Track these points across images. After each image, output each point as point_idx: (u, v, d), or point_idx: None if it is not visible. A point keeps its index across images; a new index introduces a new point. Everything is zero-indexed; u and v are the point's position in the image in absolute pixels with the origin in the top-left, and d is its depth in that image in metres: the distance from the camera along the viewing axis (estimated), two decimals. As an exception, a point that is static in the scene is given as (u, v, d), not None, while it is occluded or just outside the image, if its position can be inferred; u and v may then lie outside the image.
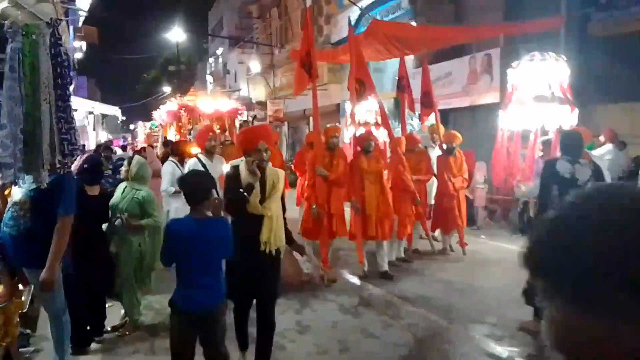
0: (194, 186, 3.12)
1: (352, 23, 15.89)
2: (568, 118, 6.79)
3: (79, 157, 4.19)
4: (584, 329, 0.60)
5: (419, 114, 9.17)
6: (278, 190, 3.67)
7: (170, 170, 6.15)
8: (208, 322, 3.05)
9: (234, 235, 3.22)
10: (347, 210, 6.46)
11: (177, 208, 5.62)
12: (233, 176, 3.65)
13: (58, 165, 3.29)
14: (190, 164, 5.93)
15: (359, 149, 6.38)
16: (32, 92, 3.14)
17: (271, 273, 3.63)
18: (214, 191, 3.29)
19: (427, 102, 8.26)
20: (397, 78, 13.32)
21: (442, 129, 8.28)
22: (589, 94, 7.80)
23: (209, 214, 3.10)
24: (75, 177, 3.75)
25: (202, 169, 5.75)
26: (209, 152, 6.13)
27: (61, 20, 3.38)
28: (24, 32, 3.11)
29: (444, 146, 7.48)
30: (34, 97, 3.14)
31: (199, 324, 3.05)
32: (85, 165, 4.29)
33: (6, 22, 3.17)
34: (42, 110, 3.16)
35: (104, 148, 11.69)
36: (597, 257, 0.58)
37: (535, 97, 6.78)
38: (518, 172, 7.54)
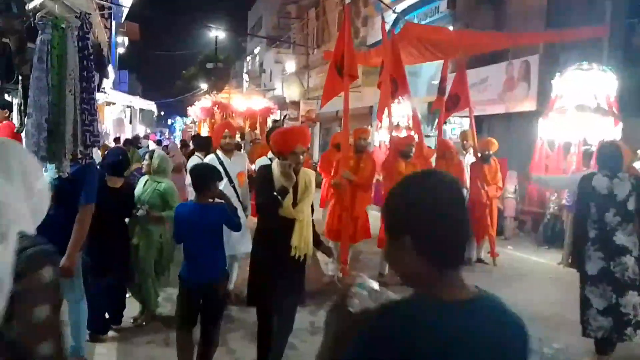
0: (197, 177, 3.58)
1: (388, 26, 15.81)
2: (611, 131, 6.53)
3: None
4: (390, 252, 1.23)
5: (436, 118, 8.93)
6: (310, 193, 3.58)
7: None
8: (209, 291, 3.45)
9: (262, 238, 3.43)
10: (373, 213, 6.37)
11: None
12: (265, 177, 3.48)
13: (80, 156, 3.37)
14: (208, 159, 5.90)
15: (397, 152, 6.24)
16: (58, 83, 3.22)
17: (298, 278, 3.56)
18: (223, 183, 3.85)
19: (451, 105, 7.95)
20: (433, 82, 13.17)
21: (473, 136, 8.08)
22: (632, 107, 7.46)
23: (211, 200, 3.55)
24: (98, 168, 3.82)
25: (218, 165, 5.63)
26: (225, 150, 6.04)
27: (90, 14, 3.44)
28: (53, 25, 3.20)
29: (479, 153, 7.31)
30: (60, 88, 3.23)
31: (201, 293, 3.46)
32: (107, 159, 4.39)
33: (38, 13, 3.26)
34: (67, 102, 3.24)
35: (129, 142, 11.84)
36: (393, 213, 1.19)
37: (577, 106, 6.56)
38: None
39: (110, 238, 4.14)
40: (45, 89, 3.21)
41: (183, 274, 3.54)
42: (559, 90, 6.95)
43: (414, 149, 6.23)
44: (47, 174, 3.51)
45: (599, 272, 3.98)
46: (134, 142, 11.72)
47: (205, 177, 3.53)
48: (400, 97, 7.09)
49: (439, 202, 1.12)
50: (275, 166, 3.47)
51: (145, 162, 4.81)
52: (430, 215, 1.11)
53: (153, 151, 4.92)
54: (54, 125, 3.24)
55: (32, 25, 3.67)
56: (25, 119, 3.31)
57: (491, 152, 7.18)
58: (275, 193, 3.36)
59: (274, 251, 3.40)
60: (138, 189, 4.64)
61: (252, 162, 6.67)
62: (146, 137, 16.48)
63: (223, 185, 4.64)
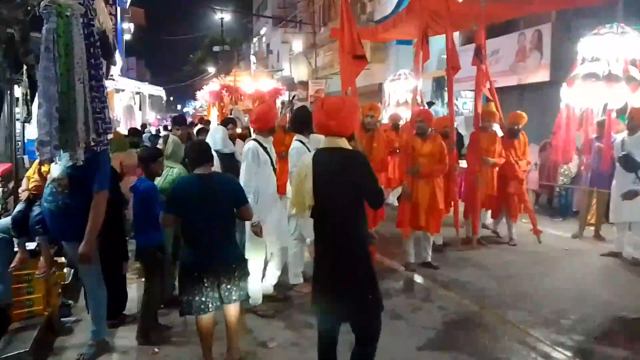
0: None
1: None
2: (638, 99, 6.37)
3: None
4: None
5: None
6: None
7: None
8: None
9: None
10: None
11: None
12: (368, 161, 3.07)
13: (93, 144, 3.38)
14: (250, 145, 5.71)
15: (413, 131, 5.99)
16: (66, 72, 3.21)
17: None
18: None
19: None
20: (442, 56, 12.90)
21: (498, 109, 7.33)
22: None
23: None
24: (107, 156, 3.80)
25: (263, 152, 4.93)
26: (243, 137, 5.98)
27: (93, 0, 3.41)
28: (57, 13, 3.18)
29: (508, 128, 6.92)
30: (68, 77, 3.22)
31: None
32: None
33: (42, 2, 3.24)
34: (77, 90, 3.24)
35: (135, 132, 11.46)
36: None
37: (607, 75, 6.35)
38: (572, 154, 7.21)
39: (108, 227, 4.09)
40: (53, 78, 3.21)
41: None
42: (585, 54, 6.72)
43: (425, 125, 5.84)
44: (61, 163, 3.55)
45: None
46: (140, 131, 11.56)
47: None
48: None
49: None
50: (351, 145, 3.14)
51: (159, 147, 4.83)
52: None
53: (167, 136, 4.92)
54: (64, 114, 3.25)
55: (36, 14, 3.65)
56: (37, 109, 3.31)
57: (520, 127, 6.84)
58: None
59: None
60: None
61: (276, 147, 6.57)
62: (144, 125, 16.45)
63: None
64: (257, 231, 4.32)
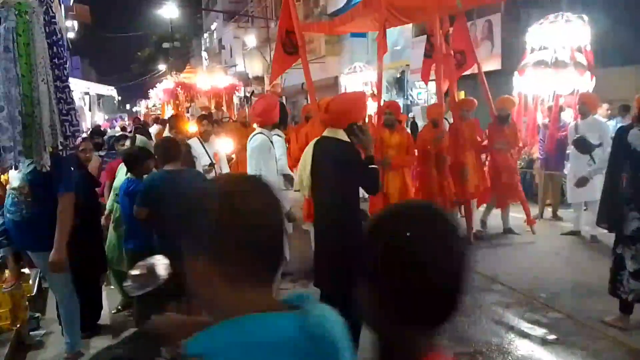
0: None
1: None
2: (585, 84, 6.68)
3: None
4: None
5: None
6: None
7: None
8: None
9: (359, 219, 3.16)
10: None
11: None
12: (356, 154, 3.22)
13: (60, 148, 3.22)
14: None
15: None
16: (28, 73, 3.05)
17: None
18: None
19: (459, 63, 7.22)
20: (396, 48, 13.10)
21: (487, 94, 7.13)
22: (597, 57, 7.65)
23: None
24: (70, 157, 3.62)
25: (202, 149, 5.58)
26: (205, 137, 5.80)
27: (53, -3, 3.25)
28: (17, 11, 3.00)
29: (496, 113, 6.70)
30: (31, 78, 3.06)
31: None
32: None
33: (-2, 0, 3.05)
34: (41, 91, 3.08)
35: (96, 134, 11.10)
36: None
37: (555, 62, 6.64)
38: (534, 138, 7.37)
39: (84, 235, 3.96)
40: (14, 79, 3.04)
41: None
42: (533, 43, 7.02)
43: (392, 117, 5.93)
44: (20, 170, 3.35)
45: (633, 232, 3.78)
46: (101, 132, 11.11)
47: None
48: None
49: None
50: (345, 137, 3.25)
51: (123, 149, 4.68)
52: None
53: (135, 137, 4.77)
54: (28, 117, 3.09)
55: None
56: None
57: (509, 111, 6.61)
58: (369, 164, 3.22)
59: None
60: (119, 178, 4.50)
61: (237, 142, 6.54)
62: (98, 127, 15.88)
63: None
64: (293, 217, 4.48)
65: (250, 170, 4.44)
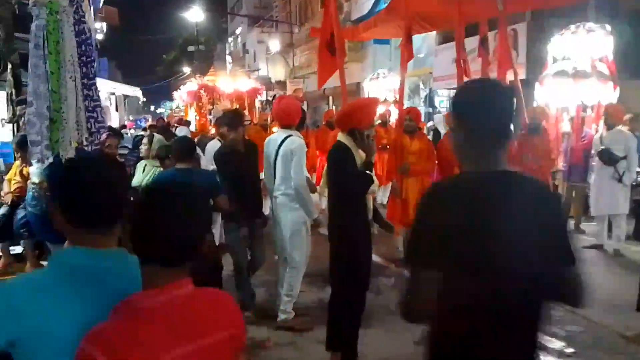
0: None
1: (374, -1, 15.54)
2: (608, 95, 6.57)
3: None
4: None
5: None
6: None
7: (210, 149, 5.99)
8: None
9: (359, 218, 3.29)
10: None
11: None
12: (348, 157, 3.31)
13: (85, 143, 3.30)
14: (209, 148, 5.84)
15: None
16: (57, 70, 3.13)
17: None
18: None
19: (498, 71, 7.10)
20: (419, 55, 13.03)
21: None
22: (618, 70, 7.53)
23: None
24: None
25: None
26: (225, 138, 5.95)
27: (83, -2, 3.34)
28: (48, 10, 3.09)
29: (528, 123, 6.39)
30: (59, 75, 3.14)
31: None
32: None
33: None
34: (69, 88, 3.15)
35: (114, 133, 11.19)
36: None
37: (576, 72, 6.55)
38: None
39: None
40: (43, 76, 3.12)
41: None
42: (555, 54, 6.94)
43: (413, 123, 5.89)
44: (38, 166, 3.44)
45: None
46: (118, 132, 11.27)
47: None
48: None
49: None
50: (349, 141, 3.35)
51: (144, 147, 4.77)
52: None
53: (152, 136, 4.87)
54: (55, 113, 3.17)
55: (16, 12, 3.54)
56: (27, 108, 3.21)
57: (541, 122, 6.35)
58: (364, 170, 3.31)
59: (367, 235, 3.42)
60: (138, 176, 4.60)
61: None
62: (124, 126, 16.15)
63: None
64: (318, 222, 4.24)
65: (296, 172, 4.03)
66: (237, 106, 14.41)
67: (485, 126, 1.49)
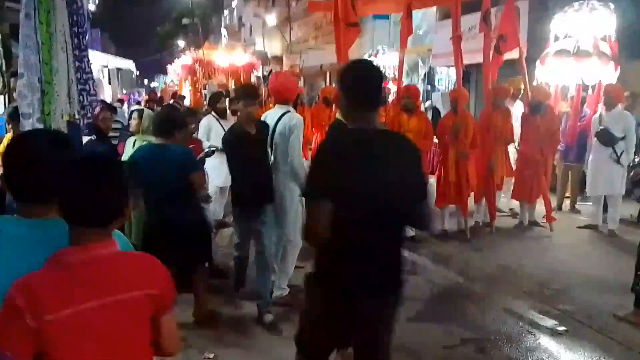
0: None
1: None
2: (609, 74, 6.51)
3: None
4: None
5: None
6: None
7: (205, 124, 5.85)
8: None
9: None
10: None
11: (213, 166, 5.35)
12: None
13: (77, 117, 3.23)
14: (204, 123, 5.81)
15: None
16: (48, 40, 3.03)
17: None
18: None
19: (502, 47, 6.76)
20: (419, 32, 12.84)
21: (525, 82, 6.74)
22: (623, 49, 7.43)
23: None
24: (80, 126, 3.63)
25: (218, 125, 5.66)
26: (221, 114, 5.88)
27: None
28: (38, -22, 2.98)
29: (530, 103, 6.30)
30: (50, 45, 3.05)
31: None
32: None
33: (20, -34, 3.03)
34: (59, 59, 3.06)
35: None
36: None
37: (578, 51, 6.46)
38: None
39: None
40: (34, 47, 3.02)
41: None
42: (557, 32, 6.85)
43: (412, 101, 5.83)
44: None
45: None
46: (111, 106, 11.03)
47: (171, 121, 3.74)
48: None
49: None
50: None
51: (133, 122, 4.67)
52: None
53: (142, 110, 4.77)
54: (46, 85, 3.08)
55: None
56: (18, 80, 3.13)
57: (543, 102, 6.17)
58: None
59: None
60: (128, 151, 4.52)
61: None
62: (120, 100, 15.83)
63: None
64: None
65: (297, 150, 3.95)
66: (233, 81, 14.27)
67: (360, 95, 2.05)
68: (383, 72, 9.05)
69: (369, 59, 11.90)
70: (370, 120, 2.08)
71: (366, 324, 2.10)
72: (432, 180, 6.67)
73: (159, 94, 14.68)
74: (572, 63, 6.55)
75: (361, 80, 2.06)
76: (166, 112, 4.52)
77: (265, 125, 3.94)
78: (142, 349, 1.39)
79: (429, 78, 14.64)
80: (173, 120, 3.79)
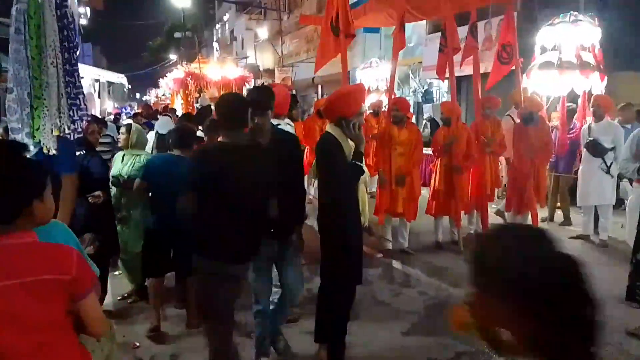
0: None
1: (363, -12, 15.39)
2: (595, 85, 6.59)
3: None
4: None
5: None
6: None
7: None
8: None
9: (345, 211, 3.25)
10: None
11: None
12: (337, 147, 3.22)
13: (68, 131, 3.20)
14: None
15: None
16: (38, 55, 3.02)
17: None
18: None
19: (507, 58, 6.96)
20: (409, 45, 12.94)
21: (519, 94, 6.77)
22: (608, 60, 7.54)
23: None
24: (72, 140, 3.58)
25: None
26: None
27: (66, -20, 3.22)
28: (28, -7, 2.98)
29: (522, 114, 6.31)
30: (41, 60, 3.03)
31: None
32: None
33: (10, -18, 3.02)
34: (50, 74, 3.05)
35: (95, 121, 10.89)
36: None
37: (563, 62, 6.53)
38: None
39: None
40: (24, 61, 3.01)
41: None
42: (544, 44, 6.93)
43: (400, 113, 5.81)
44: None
45: None
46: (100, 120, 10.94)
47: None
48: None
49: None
50: (338, 132, 3.24)
51: (122, 137, 4.65)
52: None
53: (130, 125, 4.75)
54: (36, 99, 3.07)
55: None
56: (7, 95, 3.10)
57: (535, 112, 6.13)
58: (354, 160, 3.24)
59: (356, 225, 3.37)
60: (117, 166, 4.50)
61: None
62: (118, 114, 15.80)
63: None
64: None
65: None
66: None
67: (226, 118, 2.81)
68: (367, 87, 9.10)
69: (363, 70, 12.01)
70: (235, 136, 2.77)
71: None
72: (425, 191, 6.72)
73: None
74: (556, 76, 6.62)
75: (226, 107, 2.81)
76: (187, 126, 4.68)
77: (288, 139, 4.06)
78: (53, 327, 1.52)
79: (427, 95, 14.70)
80: (194, 134, 4.17)
